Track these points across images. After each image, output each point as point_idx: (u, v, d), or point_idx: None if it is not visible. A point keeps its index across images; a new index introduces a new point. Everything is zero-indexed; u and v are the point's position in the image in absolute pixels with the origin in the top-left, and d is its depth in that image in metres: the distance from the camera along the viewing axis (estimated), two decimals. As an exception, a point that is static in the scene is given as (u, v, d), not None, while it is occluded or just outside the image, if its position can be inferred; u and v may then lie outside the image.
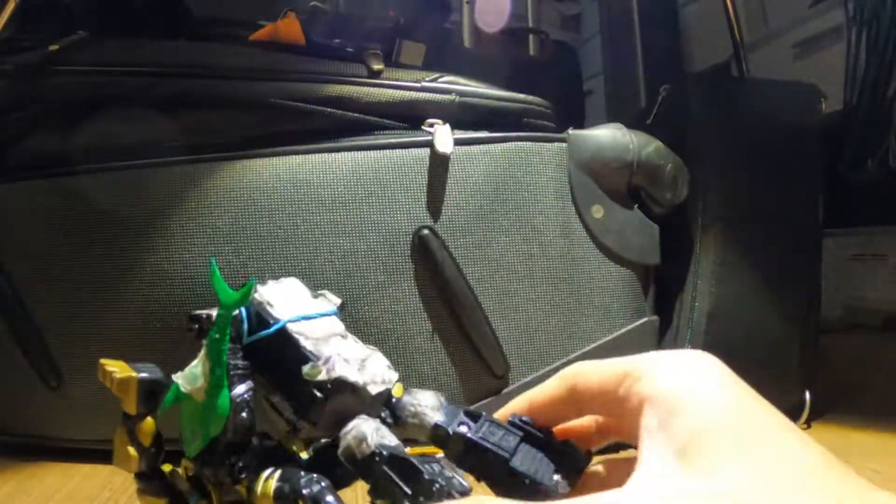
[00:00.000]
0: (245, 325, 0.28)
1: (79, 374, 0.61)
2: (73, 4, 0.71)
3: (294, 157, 0.60)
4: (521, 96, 0.68)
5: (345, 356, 0.27)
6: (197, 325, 0.31)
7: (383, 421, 0.27)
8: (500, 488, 0.25)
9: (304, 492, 0.25)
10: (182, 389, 0.29)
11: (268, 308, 0.29)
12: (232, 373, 0.28)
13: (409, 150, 0.60)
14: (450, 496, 0.23)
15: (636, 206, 0.65)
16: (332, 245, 0.59)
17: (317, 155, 0.60)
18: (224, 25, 0.73)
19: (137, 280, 0.59)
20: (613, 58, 1.45)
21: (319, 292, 0.32)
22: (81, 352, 0.61)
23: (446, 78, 0.65)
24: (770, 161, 0.69)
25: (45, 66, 0.61)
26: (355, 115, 0.62)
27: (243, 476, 0.27)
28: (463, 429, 0.26)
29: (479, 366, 0.61)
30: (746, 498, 0.18)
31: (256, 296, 0.29)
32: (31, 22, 0.67)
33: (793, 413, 0.68)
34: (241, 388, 0.27)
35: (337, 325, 0.30)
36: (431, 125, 0.61)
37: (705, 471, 0.18)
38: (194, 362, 0.29)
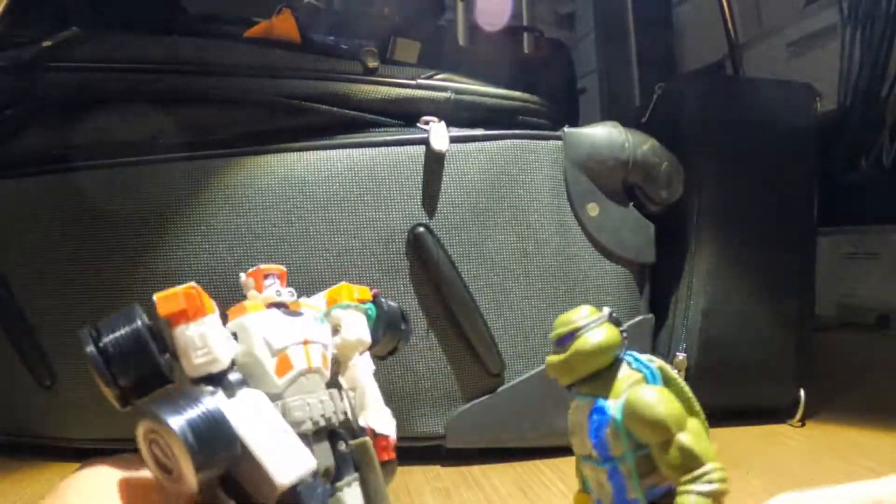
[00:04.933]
0: None
1: (73, 373, 0.61)
2: (66, 0, 0.70)
3: (289, 154, 0.60)
4: (517, 94, 0.68)
5: None
6: None
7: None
8: None
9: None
10: None
11: None
12: None
13: (405, 147, 0.60)
14: None
15: (631, 204, 0.65)
16: (326, 243, 0.59)
17: (311, 152, 0.60)
18: (218, 22, 0.73)
19: (131, 277, 0.59)
20: (608, 56, 1.46)
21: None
22: (76, 351, 0.60)
23: (442, 75, 0.64)
24: (764, 159, 0.69)
25: (38, 62, 0.61)
26: (350, 112, 0.62)
27: None
28: None
29: (474, 364, 0.61)
30: None
31: None
32: (24, 17, 0.66)
33: (787, 411, 0.68)
34: None
35: None
36: (427, 122, 0.61)
37: None
38: None
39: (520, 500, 0.52)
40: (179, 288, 0.28)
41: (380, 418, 0.35)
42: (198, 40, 0.66)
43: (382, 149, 0.60)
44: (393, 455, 0.34)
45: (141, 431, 0.26)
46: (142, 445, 0.26)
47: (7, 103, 0.61)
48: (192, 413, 0.25)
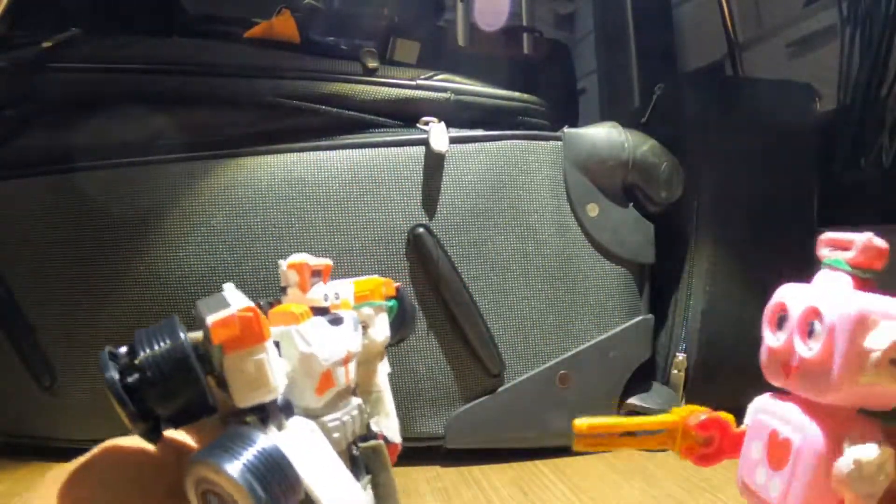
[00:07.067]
0: None
1: (72, 373, 0.61)
2: (66, 1, 0.70)
3: (289, 154, 0.60)
4: (517, 94, 0.68)
5: None
6: None
7: None
8: None
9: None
10: None
11: None
12: None
13: (405, 148, 0.60)
14: None
15: (631, 204, 0.65)
16: (326, 243, 0.59)
17: (312, 153, 0.60)
18: (218, 23, 0.73)
19: (131, 278, 0.59)
20: (607, 56, 1.46)
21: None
22: (75, 351, 0.61)
23: (441, 76, 0.65)
24: (764, 160, 0.69)
25: (38, 63, 0.61)
26: (350, 112, 0.62)
27: None
28: None
29: (474, 364, 0.61)
30: None
31: None
32: (23, 18, 0.66)
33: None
34: None
35: None
36: (427, 123, 0.61)
37: None
38: None
39: (520, 500, 0.52)
40: (235, 311, 0.25)
41: (393, 427, 0.34)
42: (198, 41, 0.66)
43: (382, 149, 0.60)
44: (394, 461, 0.34)
45: (192, 480, 0.24)
46: (192, 494, 0.24)
47: (7, 103, 0.61)
48: (253, 459, 0.23)
